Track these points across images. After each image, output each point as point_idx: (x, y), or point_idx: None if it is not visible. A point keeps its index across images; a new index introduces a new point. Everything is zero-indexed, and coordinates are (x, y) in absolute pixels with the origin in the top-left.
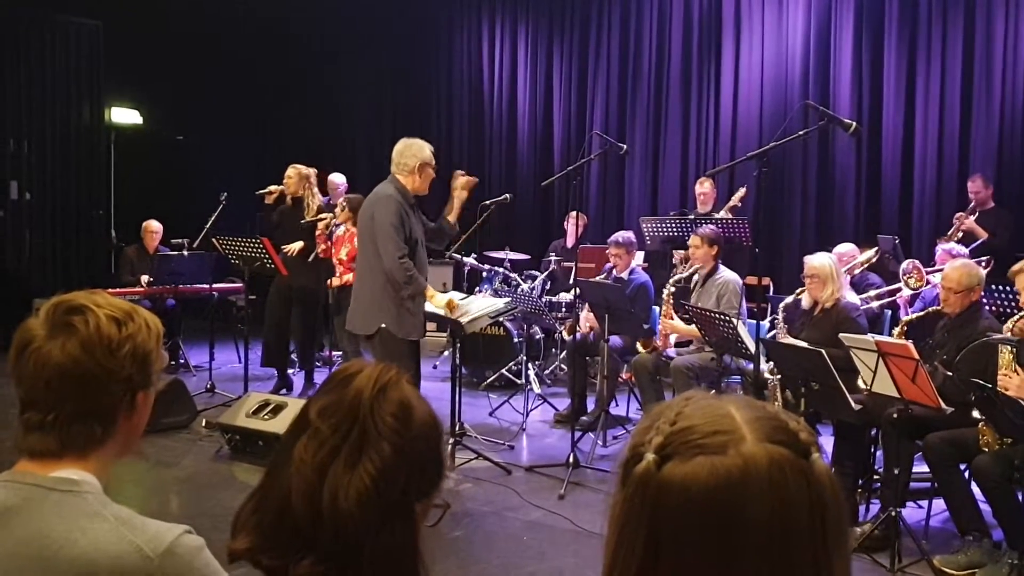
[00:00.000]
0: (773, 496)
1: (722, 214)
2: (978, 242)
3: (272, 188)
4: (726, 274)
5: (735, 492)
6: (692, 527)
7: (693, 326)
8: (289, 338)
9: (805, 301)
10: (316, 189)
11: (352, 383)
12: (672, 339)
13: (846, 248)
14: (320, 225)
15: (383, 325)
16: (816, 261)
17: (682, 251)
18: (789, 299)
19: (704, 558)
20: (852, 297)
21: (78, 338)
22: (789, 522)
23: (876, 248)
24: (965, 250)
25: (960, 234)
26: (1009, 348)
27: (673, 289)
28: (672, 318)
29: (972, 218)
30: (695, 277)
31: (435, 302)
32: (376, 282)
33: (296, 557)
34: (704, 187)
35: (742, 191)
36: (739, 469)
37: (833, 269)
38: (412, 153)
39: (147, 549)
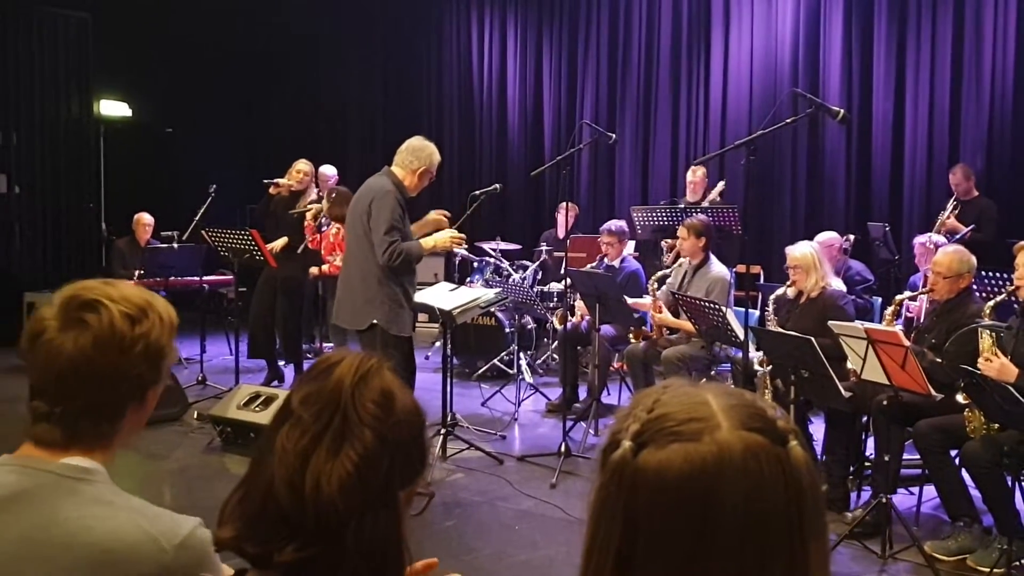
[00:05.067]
0: (747, 483)
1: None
2: (960, 235)
3: (280, 181)
4: (716, 268)
5: (709, 479)
6: (667, 513)
7: (684, 319)
8: (274, 329)
9: (791, 291)
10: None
11: (334, 372)
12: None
13: (827, 236)
14: (308, 215)
15: (375, 321)
16: (798, 251)
17: (672, 240)
18: (779, 291)
19: (680, 544)
20: (838, 285)
21: (91, 334)
22: (764, 509)
23: None
24: (943, 239)
25: (943, 230)
26: (989, 332)
27: (656, 285)
28: (661, 311)
29: (953, 216)
30: (684, 267)
31: (429, 243)
32: (369, 276)
33: (280, 544)
34: (696, 175)
35: (720, 185)
36: (713, 456)
37: (815, 258)
38: (422, 156)
39: (163, 540)
